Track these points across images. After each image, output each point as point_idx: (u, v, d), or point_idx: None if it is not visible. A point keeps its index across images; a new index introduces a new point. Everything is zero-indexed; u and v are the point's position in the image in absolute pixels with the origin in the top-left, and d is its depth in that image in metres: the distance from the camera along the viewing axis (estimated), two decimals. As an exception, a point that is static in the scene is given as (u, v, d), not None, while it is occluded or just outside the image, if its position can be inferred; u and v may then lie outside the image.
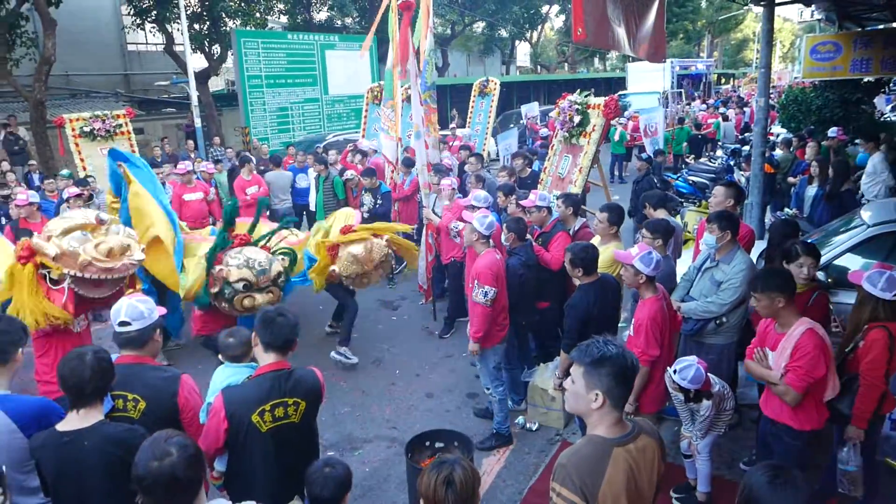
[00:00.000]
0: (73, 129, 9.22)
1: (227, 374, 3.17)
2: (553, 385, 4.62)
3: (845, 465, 3.26)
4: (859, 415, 3.20)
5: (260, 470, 2.65)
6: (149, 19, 17.14)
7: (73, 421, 2.37)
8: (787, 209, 8.10)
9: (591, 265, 3.92)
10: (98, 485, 2.34)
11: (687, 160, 14.10)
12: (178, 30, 16.23)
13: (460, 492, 1.86)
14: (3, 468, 1.98)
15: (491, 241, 4.56)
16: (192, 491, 1.94)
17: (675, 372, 3.52)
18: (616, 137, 14.79)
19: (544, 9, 34.89)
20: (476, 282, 4.30)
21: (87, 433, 2.34)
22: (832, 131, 9.88)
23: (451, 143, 11.96)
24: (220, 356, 3.34)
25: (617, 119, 12.60)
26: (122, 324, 2.72)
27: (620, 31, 4.31)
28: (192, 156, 11.78)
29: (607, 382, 1.94)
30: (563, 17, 36.58)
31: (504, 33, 33.51)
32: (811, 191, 7.30)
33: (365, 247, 5.21)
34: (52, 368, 3.52)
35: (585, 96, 6.76)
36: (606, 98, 6.65)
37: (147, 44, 22.30)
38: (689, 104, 23.56)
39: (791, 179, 8.81)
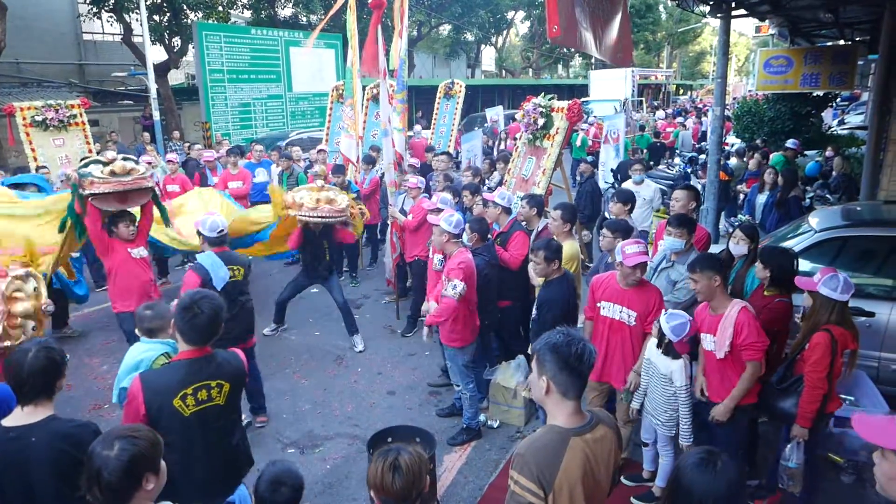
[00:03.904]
0: (25, 119, 8.87)
1: (140, 351, 3.02)
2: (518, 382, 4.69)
3: (787, 462, 3.37)
4: (804, 414, 3.33)
5: (185, 453, 2.65)
6: (106, 8, 16.61)
7: (20, 416, 2.31)
8: (740, 215, 8.38)
9: (562, 257, 4.02)
10: (46, 481, 2.27)
11: (646, 166, 14.45)
12: (136, 20, 15.78)
13: (406, 476, 1.85)
14: None
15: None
16: (112, 495, 1.85)
17: (666, 319, 3.54)
18: (578, 143, 15.03)
19: (510, 14, 35.30)
20: (446, 277, 4.33)
21: (34, 428, 2.28)
22: (790, 142, 10.28)
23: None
24: (136, 330, 3.22)
25: (579, 125, 12.87)
26: (220, 231, 4.54)
27: (588, 35, 4.41)
28: (149, 149, 11.47)
29: (551, 369, 1.99)
30: (528, 24, 37.08)
31: (470, 37, 33.77)
32: (762, 198, 7.57)
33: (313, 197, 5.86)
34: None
35: (549, 100, 6.86)
36: (570, 102, 6.77)
37: (104, 33, 21.57)
38: (651, 113, 24.16)
39: (740, 187, 9.13)
